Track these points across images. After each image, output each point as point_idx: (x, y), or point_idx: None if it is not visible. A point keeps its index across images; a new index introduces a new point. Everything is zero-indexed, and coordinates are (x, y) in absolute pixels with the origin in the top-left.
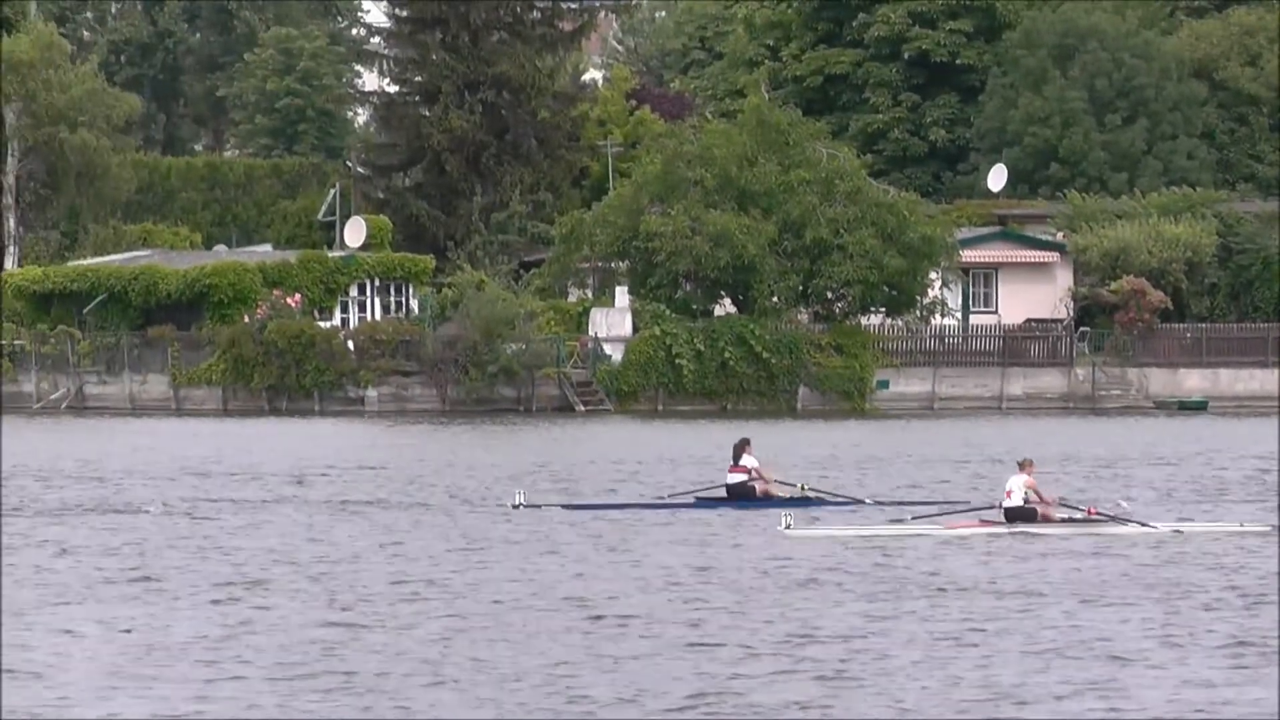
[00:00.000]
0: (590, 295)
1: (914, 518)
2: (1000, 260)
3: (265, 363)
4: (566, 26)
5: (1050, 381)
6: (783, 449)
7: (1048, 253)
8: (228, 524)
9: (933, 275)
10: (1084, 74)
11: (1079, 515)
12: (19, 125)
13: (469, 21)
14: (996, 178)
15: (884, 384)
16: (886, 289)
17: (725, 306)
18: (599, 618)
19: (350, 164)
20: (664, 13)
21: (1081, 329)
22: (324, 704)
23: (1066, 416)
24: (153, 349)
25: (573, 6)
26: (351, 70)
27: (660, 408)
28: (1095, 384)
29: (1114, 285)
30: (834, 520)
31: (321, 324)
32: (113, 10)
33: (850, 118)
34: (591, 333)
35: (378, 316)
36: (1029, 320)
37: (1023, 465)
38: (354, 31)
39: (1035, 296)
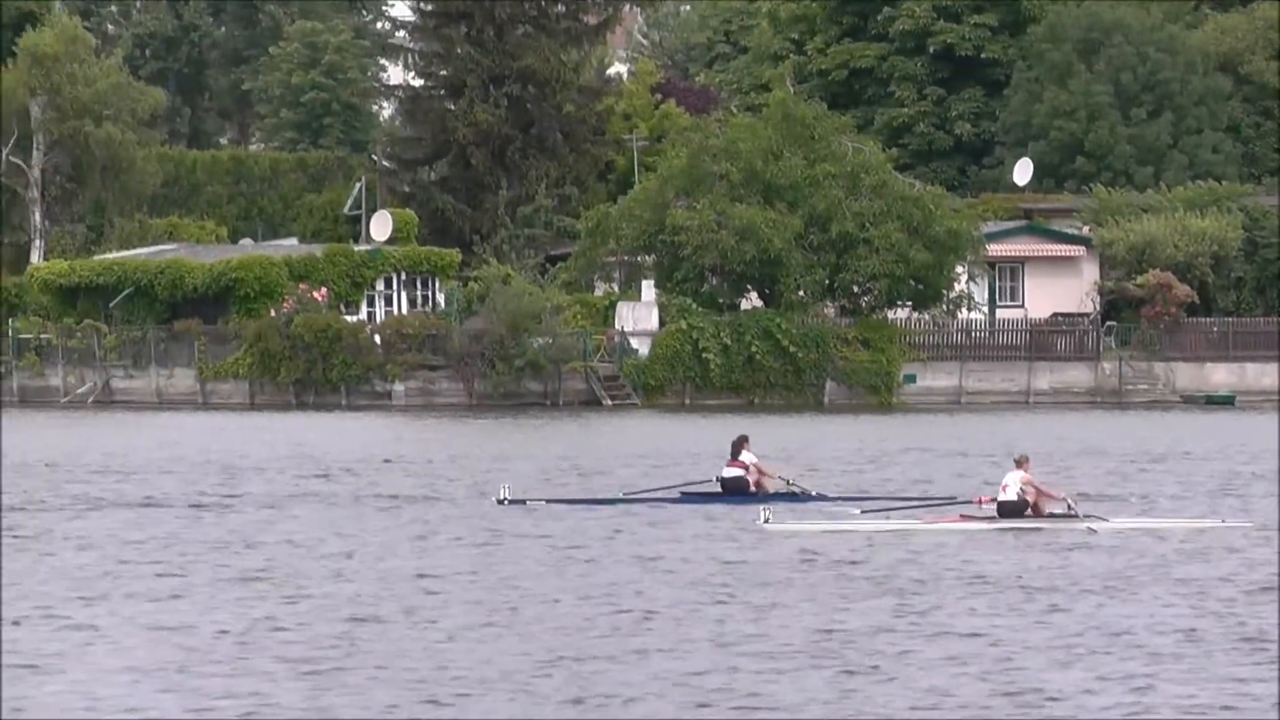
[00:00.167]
0: (616, 289)
1: (863, 512)
2: (1026, 254)
3: (291, 357)
4: (591, 20)
5: (1077, 376)
6: (810, 443)
7: (1074, 247)
8: (247, 518)
9: (959, 269)
10: (1109, 68)
11: (1070, 511)
12: (44, 119)
13: (494, 15)
14: (1022, 172)
15: (911, 378)
16: (913, 283)
17: (751, 300)
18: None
19: (375, 158)
20: (689, 6)
21: (1108, 323)
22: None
23: (1093, 411)
24: (179, 343)
25: (597, 0)
26: (376, 64)
27: (687, 402)
28: (1122, 378)
29: (1140, 279)
30: (816, 515)
31: (348, 318)
32: (137, 4)
33: (875, 111)
34: (618, 327)
35: (404, 310)
36: (1055, 314)
37: (1020, 462)
38: (379, 25)
39: (1061, 290)
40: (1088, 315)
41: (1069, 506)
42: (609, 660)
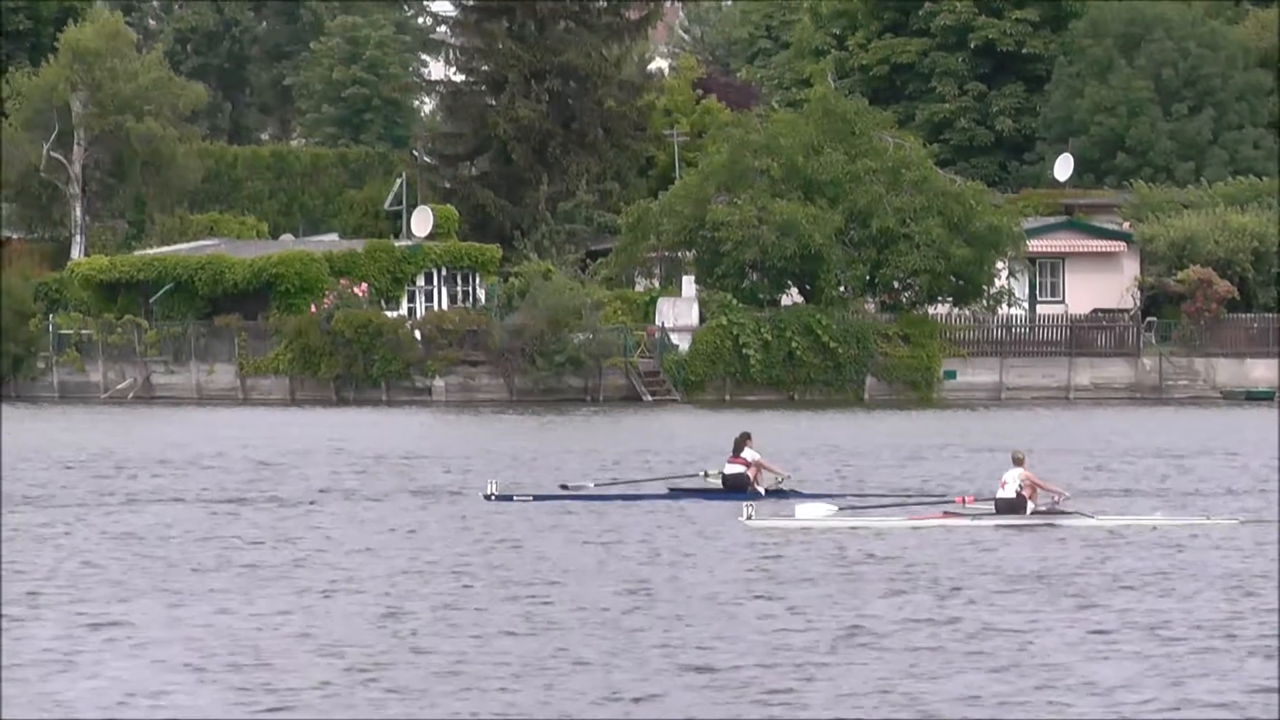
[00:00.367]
0: (657, 285)
1: (841, 509)
2: (1067, 250)
3: (332, 352)
4: (633, 15)
5: (1117, 371)
6: (849, 437)
7: (1114, 242)
8: (278, 514)
9: (999, 265)
10: (1150, 63)
11: (1056, 506)
12: (85, 114)
13: (535, 10)
14: (1063, 167)
15: (951, 374)
16: (953, 279)
17: (792, 296)
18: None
19: (416, 153)
20: (730, 1)
21: (1148, 319)
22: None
23: (1134, 407)
24: (219, 338)
25: None
26: (417, 59)
27: (728, 397)
28: (1162, 374)
29: (1180, 275)
30: (801, 512)
31: (388, 314)
32: None
33: (916, 107)
34: (658, 322)
35: (444, 306)
36: (1096, 310)
37: (1018, 459)
38: (420, 20)
39: (1102, 286)
40: (1128, 311)
41: (1055, 502)
42: (609, 660)
